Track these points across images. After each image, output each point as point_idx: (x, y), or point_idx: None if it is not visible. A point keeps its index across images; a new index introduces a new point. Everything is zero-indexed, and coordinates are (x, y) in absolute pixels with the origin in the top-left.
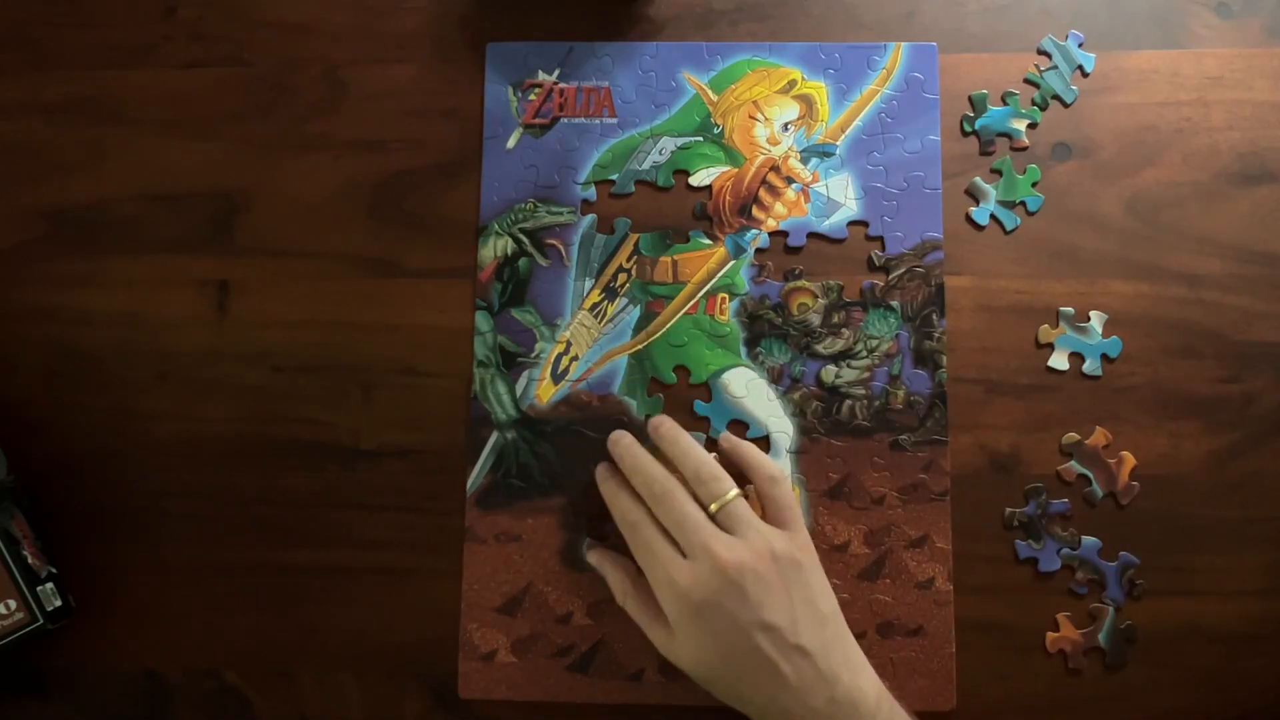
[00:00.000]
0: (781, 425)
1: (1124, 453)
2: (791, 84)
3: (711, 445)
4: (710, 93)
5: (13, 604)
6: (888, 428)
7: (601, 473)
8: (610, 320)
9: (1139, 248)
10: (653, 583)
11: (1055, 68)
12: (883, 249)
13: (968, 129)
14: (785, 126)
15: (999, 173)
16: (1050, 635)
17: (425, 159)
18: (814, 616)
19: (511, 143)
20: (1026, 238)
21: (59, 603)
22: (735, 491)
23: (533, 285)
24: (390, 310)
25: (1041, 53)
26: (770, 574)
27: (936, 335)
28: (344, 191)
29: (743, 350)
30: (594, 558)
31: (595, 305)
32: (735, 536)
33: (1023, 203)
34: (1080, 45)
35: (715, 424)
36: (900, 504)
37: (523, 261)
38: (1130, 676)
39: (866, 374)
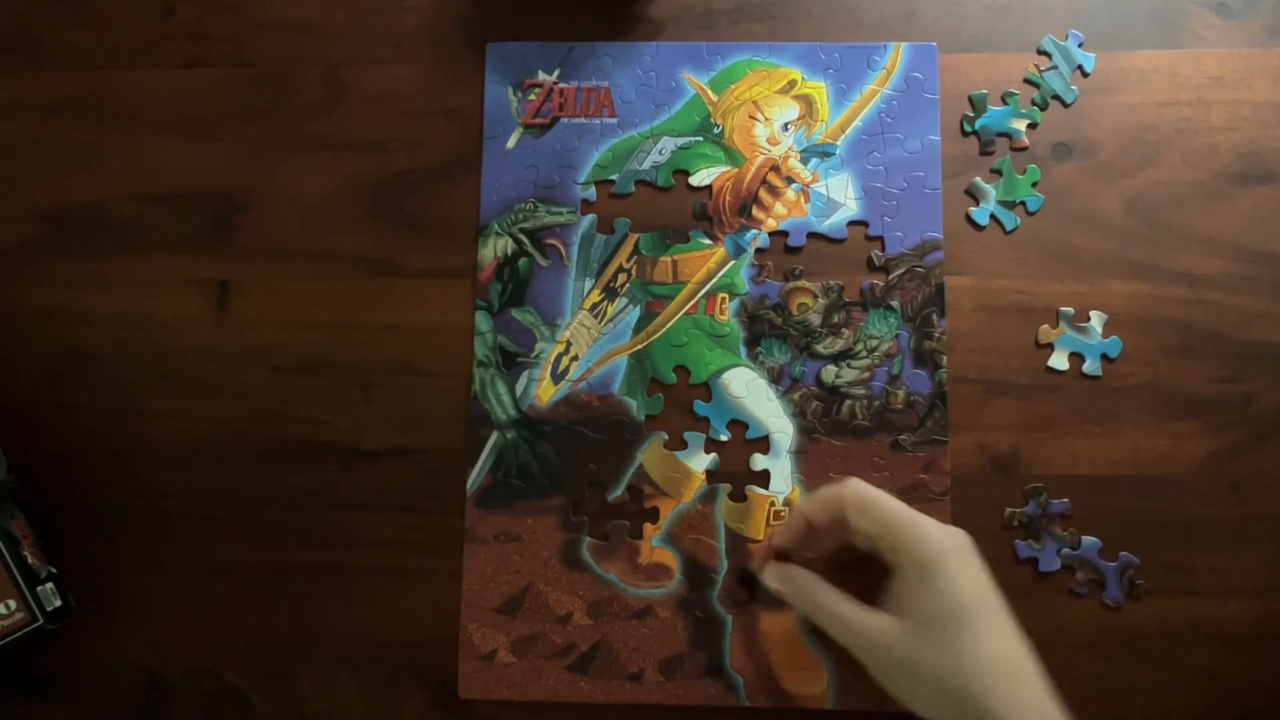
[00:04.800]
0: (781, 425)
1: None
2: (791, 84)
3: (712, 445)
4: (710, 93)
5: (13, 604)
6: (888, 428)
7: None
8: (610, 320)
9: (1139, 248)
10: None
11: (1055, 68)
12: (883, 249)
13: (968, 129)
14: (785, 126)
15: (999, 173)
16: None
17: (425, 159)
18: None
19: (511, 143)
20: (1026, 238)
21: (59, 603)
22: None
23: (533, 285)
24: (390, 310)
25: (1041, 53)
26: None
27: (936, 335)
28: (344, 191)
29: (743, 350)
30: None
31: (595, 305)
32: None
33: (1023, 203)
34: (1080, 45)
35: (715, 424)
36: None
37: (523, 261)
38: (1130, 676)
39: (866, 374)
